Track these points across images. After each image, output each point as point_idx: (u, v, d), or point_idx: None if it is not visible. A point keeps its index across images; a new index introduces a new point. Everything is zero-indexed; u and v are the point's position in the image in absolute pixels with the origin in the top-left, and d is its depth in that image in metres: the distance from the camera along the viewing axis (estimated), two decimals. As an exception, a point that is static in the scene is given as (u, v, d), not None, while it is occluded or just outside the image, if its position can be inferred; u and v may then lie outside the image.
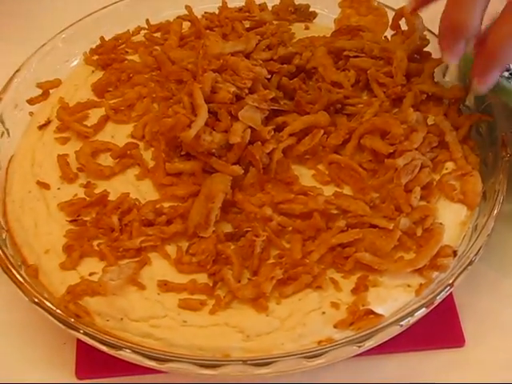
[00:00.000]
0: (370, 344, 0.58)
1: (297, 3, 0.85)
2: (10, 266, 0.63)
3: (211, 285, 0.62)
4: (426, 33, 0.76)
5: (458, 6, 0.64)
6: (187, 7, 0.82)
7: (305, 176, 0.69)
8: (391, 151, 0.67)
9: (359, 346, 0.58)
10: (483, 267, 0.70)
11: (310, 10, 0.86)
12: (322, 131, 0.69)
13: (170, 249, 0.65)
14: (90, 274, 0.63)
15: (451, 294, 0.67)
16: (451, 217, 0.67)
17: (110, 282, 0.61)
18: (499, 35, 0.63)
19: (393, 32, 0.79)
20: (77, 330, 0.59)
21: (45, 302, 0.61)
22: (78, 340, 0.65)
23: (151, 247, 0.64)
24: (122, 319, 0.61)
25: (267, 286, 0.61)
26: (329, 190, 0.67)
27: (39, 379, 0.65)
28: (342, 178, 0.68)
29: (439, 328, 0.67)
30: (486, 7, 0.64)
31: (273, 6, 0.85)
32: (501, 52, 0.64)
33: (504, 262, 0.72)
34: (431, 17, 0.73)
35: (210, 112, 0.66)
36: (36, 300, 0.61)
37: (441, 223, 0.65)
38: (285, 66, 0.73)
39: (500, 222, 0.66)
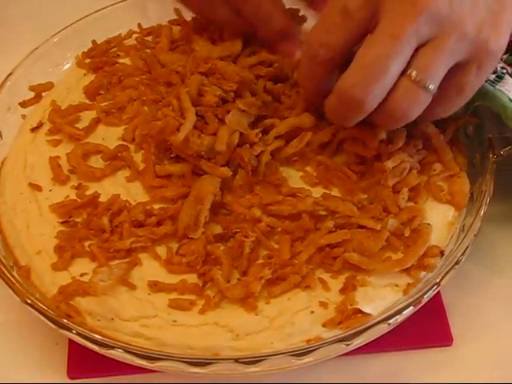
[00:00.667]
0: (358, 342, 0.59)
1: (287, 7, 0.86)
2: (1, 267, 0.63)
3: (201, 285, 0.63)
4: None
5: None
6: (176, 10, 0.83)
7: (293, 178, 0.70)
8: (374, 154, 0.68)
9: (347, 345, 0.58)
10: (471, 267, 0.70)
11: (300, 14, 0.86)
12: (310, 134, 0.70)
13: (160, 250, 0.65)
14: (82, 275, 0.64)
15: (439, 293, 0.68)
16: (439, 217, 0.67)
17: (101, 282, 0.62)
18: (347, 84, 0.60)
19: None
20: (69, 329, 0.59)
21: (37, 302, 0.61)
22: (70, 340, 0.66)
23: (141, 248, 0.65)
24: (112, 319, 0.61)
25: (256, 286, 0.61)
26: (317, 192, 0.68)
27: (31, 379, 0.66)
28: (330, 179, 0.69)
29: (427, 327, 0.68)
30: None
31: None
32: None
33: (492, 261, 0.72)
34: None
35: (198, 115, 0.67)
36: (28, 301, 0.61)
37: (428, 224, 0.66)
38: (270, 69, 0.74)
39: (488, 222, 0.67)
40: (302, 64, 0.65)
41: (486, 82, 0.69)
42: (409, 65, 0.59)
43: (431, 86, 0.59)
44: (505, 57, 0.73)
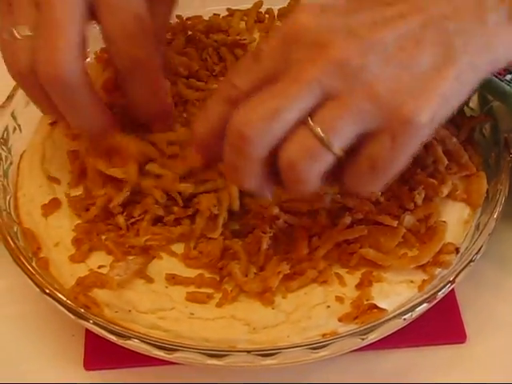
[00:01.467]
0: (373, 337, 0.59)
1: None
2: (21, 258, 0.64)
3: (218, 279, 0.64)
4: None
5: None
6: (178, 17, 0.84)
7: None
8: None
9: (363, 339, 0.59)
10: (486, 265, 0.70)
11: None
12: None
13: (176, 247, 0.66)
14: (99, 267, 0.64)
15: (453, 291, 0.69)
16: (455, 215, 0.68)
17: (117, 277, 0.63)
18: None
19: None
20: (87, 319, 0.60)
21: (55, 292, 0.62)
22: (87, 332, 0.67)
23: (157, 246, 0.66)
24: (130, 311, 0.62)
25: (274, 281, 0.62)
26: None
27: (48, 370, 0.67)
28: None
29: (441, 324, 0.68)
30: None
31: (279, 9, 0.87)
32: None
33: (507, 260, 0.73)
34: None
35: None
36: (47, 291, 0.62)
37: (444, 221, 0.66)
38: None
39: (503, 222, 0.67)
40: (208, 102, 0.58)
41: (502, 81, 0.70)
42: (311, 116, 0.52)
43: (334, 143, 0.51)
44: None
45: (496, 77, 0.71)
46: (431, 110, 0.51)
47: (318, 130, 0.51)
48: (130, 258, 0.65)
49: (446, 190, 0.67)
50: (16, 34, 0.60)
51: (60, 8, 0.58)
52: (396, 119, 0.51)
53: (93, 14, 0.61)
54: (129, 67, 0.63)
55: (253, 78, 0.54)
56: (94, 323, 0.60)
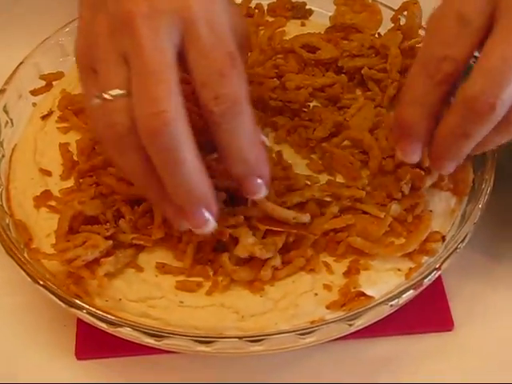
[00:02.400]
0: (360, 323, 0.60)
1: (294, 0, 0.87)
2: (13, 249, 0.65)
3: (212, 273, 0.64)
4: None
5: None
6: None
7: (299, 165, 0.71)
8: None
9: (350, 325, 0.59)
10: (473, 254, 0.72)
11: (307, 7, 0.88)
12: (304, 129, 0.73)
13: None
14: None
15: (441, 279, 0.70)
16: (441, 205, 0.69)
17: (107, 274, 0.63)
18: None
19: (386, 29, 0.81)
20: (78, 308, 0.61)
21: (47, 282, 0.62)
22: (78, 322, 0.68)
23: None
24: (120, 300, 0.63)
25: (267, 274, 0.63)
26: (323, 179, 0.70)
27: (40, 360, 0.67)
28: (334, 167, 0.71)
29: (429, 312, 0.69)
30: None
31: (268, 4, 0.87)
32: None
33: (493, 248, 0.74)
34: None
35: None
36: (39, 281, 0.62)
37: (430, 210, 0.67)
38: None
39: (490, 211, 0.68)
40: (412, 88, 0.58)
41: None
42: None
43: None
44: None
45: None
46: None
47: None
48: (120, 251, 0.65)
49: (430, 181, 0.68)
50: (107, 97, 0.55)
51: (153, 58, 0.53)
52: None
53: (182, 61, 0.55)
54: (226, 109, 0.55)
55: (468, 44, 0.55)
56: (86, 312, 0.61)
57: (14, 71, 0.78)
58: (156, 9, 0.54)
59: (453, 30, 0.55)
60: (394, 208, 0.66)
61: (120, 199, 0.66)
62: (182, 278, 0.64)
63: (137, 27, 0.54)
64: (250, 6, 0.87)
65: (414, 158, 0.61)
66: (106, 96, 0.55)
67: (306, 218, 0.64)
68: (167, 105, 0.53)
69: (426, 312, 0.69)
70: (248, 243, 0.62)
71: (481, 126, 0.56)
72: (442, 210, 0.69)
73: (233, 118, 0.55)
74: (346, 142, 0.72)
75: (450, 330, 0.69)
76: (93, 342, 0.67)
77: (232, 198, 0.65)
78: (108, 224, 0.65)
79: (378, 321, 0.63)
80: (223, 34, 0.55)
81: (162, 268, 0.64)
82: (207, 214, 0.57)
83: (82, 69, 0.59)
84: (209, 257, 0.65)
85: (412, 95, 0.58)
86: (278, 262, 0.63)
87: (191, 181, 0.55)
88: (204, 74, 0.54)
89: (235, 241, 0.63)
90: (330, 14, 0.86)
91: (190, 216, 0.57)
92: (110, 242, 0.64)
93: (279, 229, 0.63)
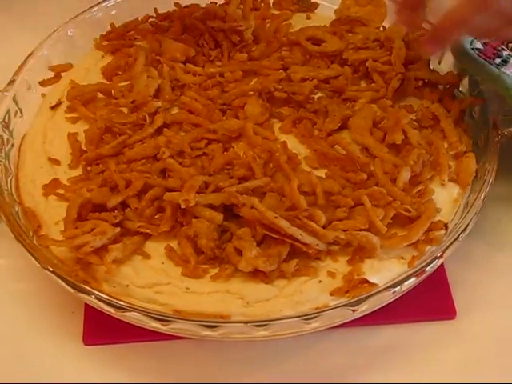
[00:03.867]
0: (363, 309, 0.61)
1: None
2: (23, 235, 0.66)
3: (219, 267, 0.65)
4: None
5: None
6: (176, 4, 0.86)
7: (304, 155, 0.73)
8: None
9: (353, 310, 0.60)
10: (476, 243, 0.73)
11: (312, 0, 0.89)
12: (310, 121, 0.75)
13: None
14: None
15: (443, 268, 0.71)
16: (444, 194, 0.70)
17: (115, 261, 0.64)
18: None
19: (391, 22, 0.82)
20: (87, 293, 0.62)
21: (56, 268, 0.63)
22: (86, 308, 0.69)
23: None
24: (127, 286, 0.64)
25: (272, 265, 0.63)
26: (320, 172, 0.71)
27: (49, 345, 0.68)
28: (327, 164, 0.72)
29: (432, 301, 0.70)
30: None
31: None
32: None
33: (496, 238, 0.75)
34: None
35: None
36: (49, 267, 0.63)
37: (432, 199, 0.68)
38: None
39: (492, 201, 0.69)
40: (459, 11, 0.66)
41: (491, 65, 0.72)
42: None
43: None
44: (511, 45, 0.76)
45: (486, 60, 0.73)
46: None
47: None
48: (127, 238, 0.66)
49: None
50: None
51: None
52: None
53: None
54: None
55: None
56: (94, 297, 0.62)
57: (23, 63, 0.79)
58: None
59: None
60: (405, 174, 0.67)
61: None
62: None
63: None
64: (257, -1, 0.88)
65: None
66: None
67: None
68: None
69: (429, 301, 0.70)
70: (251, 256, 0.63)
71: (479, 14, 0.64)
72: (444, 199, 0.69)
73: None
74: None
75: (452, 319, 0.70)
76: (100, 328, 0.68)
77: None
78: (116, 212, 0.66)
79: (382, 308, 0.64)
80: None
81: (170, 252, 0.65)
82: None
83: None
84: (216, 252, 0.65)
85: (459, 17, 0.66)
86: (283, 253, 0.64)
87: None
88: None
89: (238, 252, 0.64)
90: (335, 7, 0.88)
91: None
92: (118, 229, 0.65)
93: (277, 236, 0.64)
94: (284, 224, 0.62)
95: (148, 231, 0.66)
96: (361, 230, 0.65)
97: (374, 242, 0.64)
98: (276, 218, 0.62)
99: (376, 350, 0.68)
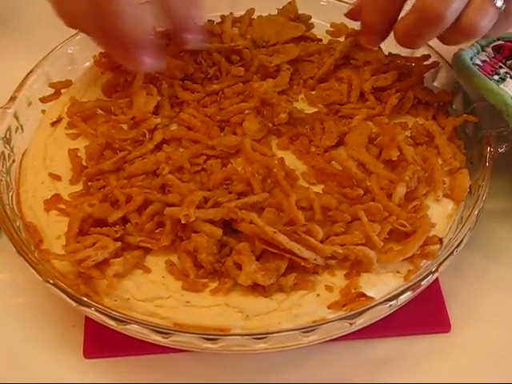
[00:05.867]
0: (360, 322, 0.62)
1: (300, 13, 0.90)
2: (25, 249, 0.66)
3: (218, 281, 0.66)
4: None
5: None
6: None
7: (301, 171, 0.74)
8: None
9: (350, 323, 0.61)
10: (470, 257, 0.75)
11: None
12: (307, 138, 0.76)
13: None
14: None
15: (438, 282, 0.72)
16: (439, 210, 0.71)
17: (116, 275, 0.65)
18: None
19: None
20: (88, 306, 0.63)
21: (58, 282, 0.64)
22: (86, 322, 0.70)
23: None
24: (128, 299, 0.65)
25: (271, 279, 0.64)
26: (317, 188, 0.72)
27: (49, 359, 0.69)
28: (325, 180, 0.73)
29: (427, 314, 0.71)
30: None
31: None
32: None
33: (491, 252, 0.76)
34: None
35: None
36: (50, 280, 0.64)
37: (427, 215, 0.69)
38: None
39: (487, 215, 0.71)
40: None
41: (490, 80, 0.73)
42: None
43: (499, 3, 0.66)
44: (509, 62, 0.78)
45: (485, 75, 0.75)
46: None
47: None
48: (128, 253, 0.67)
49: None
50: None
51: None
52: None
53: None
54: None
55: None
56: (95, 310, 0.62)
57: (24, 80, 0.80)
58: None
59: None
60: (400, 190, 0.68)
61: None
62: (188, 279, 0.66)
63: None
64: (253, 17, 0.89)
65: (374, 45, 0.78)
66: None
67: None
68: None
69: (424, 314, 0.71)
70: (250, 270, 0.64)
71: (430, 30, 0.68)
72: (439, 215, 0.71)
73: None
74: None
75: (447, 332, 0.71)
76: (100, 342, 0.69)
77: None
78: (117, 226, 0.67)
79: (378, 322, 0.65)
80: None
81: (170, 266, 0.66)
82: (144, 57, 0.71)
83: None
84: (215, 267, 0.66)
85: (375, 5, 0.72)
86: (282, 268, 0.65)
87: (128, 27, 0.68)
88: None
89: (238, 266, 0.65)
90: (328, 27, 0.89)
91: (127, 56, 0.72)
92: (119, 244, 0.66)
93: (276, 250, 0.64)
94: (282, 239, 0.63)
95: (149, 245, 0.67)
96: (358, 244, 0.66)
97: (371, 257, 0.65)
98: (275, 232, 0.63)
99: (372, 362, 0.69)
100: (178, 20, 0.75)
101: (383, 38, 0.76)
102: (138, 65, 0.73)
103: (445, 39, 0.70)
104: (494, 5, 0.67)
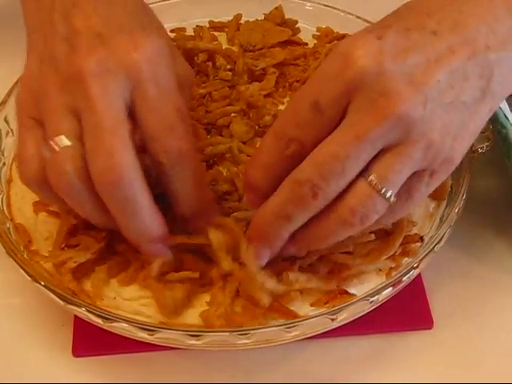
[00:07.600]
0: (342, 318, 0.63)
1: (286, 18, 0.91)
2: (14, 250, 0.68)
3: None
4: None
5: None
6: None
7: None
8: None
9: (332, 319, 0.63)
10: (453, 254, 0.76)
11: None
12: None
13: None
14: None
15: (421, 278, 0.73)
16: (420, 209, 0.73)
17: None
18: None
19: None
20: (76, 305, 0.64)
21: (46, 282, 0.65)
22: (75, 321, 0.71)
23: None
24: (115, 298, 0.66)
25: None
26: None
27: (38, 358, 0.70)
28: None
29: (409, 312, 0.72)
30: None
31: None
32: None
33: (473, 249, 0.77)
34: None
35: None
36: (40, 281, 0.65)
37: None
38: None
39: (470, 212, 0.73)
40: (262, 154, 0.59)
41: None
42: (369, 167, 0.55)
43: (389, 194, 0.56)
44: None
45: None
46: (466, 149, 0.58)
47: (377, 182, 0.55)
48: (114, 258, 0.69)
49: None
50: (55, 147, 0.58)
51: (106, 114, 0.56)
52: (440, 160, 0.56)
53: (131, 116, 0.59)
54: (175, 161, 0.59)
55: (317, 131, 0.55)
56: (86, 309, 0.63)
57: (15, 83, 0.81)
58: (105, 68, 0.57)
59: (306, 114, 0.55)
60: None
61: None
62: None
63: (88, 85, 0.57)
64: (241, 22, 0.91)
65: (252, 203, 0.62)
66: (53, 145, 0.58)
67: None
68: (122, 158, 0.56)
69: (407, 311, 0.72)
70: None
71: (301, 211, 0.57)
72: (421, 214, 0.72)
73: (181, 168, 0.60)
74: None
75: (429, 329, 0.72)
76: (89, 340, 0.70)
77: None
78: (104, 233, 0.68)
79: (362, 319, 0.66)
80: (170, 90, 0.59)
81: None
82: (160, 246, 0.63)
83: (25, 119, 0.63)
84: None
85: (262, 159, 0.59)
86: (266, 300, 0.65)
87: (147, 225, 0.60)
88: (154, 128, 0.58)
89: None
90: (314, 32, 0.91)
91: (145, 251, 0.63)
92: (102, 244, 0.67)
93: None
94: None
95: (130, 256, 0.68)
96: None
97: (350, 264, 0.67)
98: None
99: (355, 359, 0.70)
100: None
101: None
102: (156, 255, 0.65)
103: (323, 231, 0.59)
104: (382, 194, 0.55)
